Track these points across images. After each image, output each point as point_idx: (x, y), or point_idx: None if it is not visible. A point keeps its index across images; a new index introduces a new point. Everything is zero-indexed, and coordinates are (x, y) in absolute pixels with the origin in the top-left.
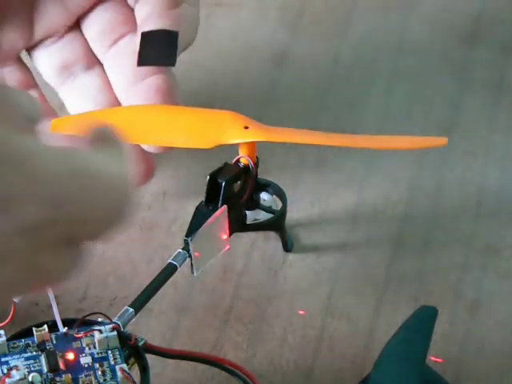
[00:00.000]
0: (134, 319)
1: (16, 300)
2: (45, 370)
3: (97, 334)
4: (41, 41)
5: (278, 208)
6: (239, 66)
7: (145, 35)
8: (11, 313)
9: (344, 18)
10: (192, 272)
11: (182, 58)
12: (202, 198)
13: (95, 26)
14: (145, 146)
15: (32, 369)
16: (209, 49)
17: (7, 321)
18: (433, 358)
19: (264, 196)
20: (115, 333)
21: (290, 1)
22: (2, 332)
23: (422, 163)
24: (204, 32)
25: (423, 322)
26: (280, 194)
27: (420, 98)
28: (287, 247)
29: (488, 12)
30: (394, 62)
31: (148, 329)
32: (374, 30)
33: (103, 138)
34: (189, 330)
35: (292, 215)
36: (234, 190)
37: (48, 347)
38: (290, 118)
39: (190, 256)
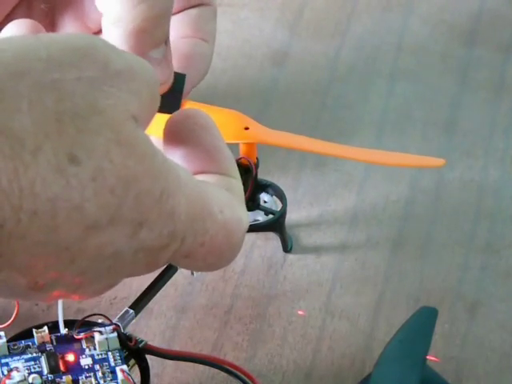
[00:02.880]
0: (134, 320)
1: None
2: (45, 371)
3: (97, 336)
4: None
5: (278, 209)
6: (239, 65)
7: None
8: (14, 315)
9: (344, 17)
10: (192, 273)
11: None
12: None
13: None
14: None
15: (32, 370)
16: None
17: (9, 322)
18: (433, 358)
19: (264, 197)
20: (115, 334)
21: (290, 1)
22: (2, 333)
23: None
24: None
25: (423, 322)
26: (280, 194)
27: (420, 98)
28: (286, 248)
29: (488, 12)
30: (394, 62)
31: (148, 329)
32: (374, 30)
33: (230, 173)
34: (189, 329)
35: (292, 215)
36: None
37: (48, 349)
38: (290, 117)
39: None
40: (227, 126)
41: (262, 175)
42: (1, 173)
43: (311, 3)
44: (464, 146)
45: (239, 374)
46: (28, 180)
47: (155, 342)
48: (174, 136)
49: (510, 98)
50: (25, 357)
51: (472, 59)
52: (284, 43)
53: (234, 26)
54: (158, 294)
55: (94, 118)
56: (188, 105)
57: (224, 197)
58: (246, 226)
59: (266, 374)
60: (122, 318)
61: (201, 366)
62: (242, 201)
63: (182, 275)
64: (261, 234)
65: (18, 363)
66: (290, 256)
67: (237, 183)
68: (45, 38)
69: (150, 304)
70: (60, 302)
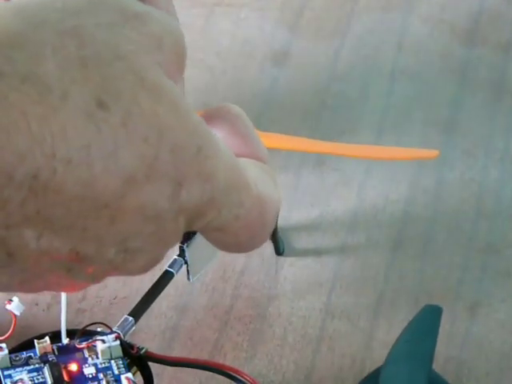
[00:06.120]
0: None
1: (17, 313)
2: (49, 382)
3: (99, 344)
4: None
5: None
6: (239, 65)
7: None
8: (12, 327)
9: (344, 17)
10: (188, 279)
11: None
12: None
13: None
14: None
15: (36, 381)
16: (209, 48)
17: (9, 334)
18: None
19: None
20: (118, 342)
21: (289, 1)
22: (3, 345)
23: (422, 163)
24: (204, 32)
25: (428, 320)
26: None
27: (420, 97)
28: (279, 251)
29: (488, 12)
30: (394, 62)
31: (148, 329)
32: (374, 30)
33: (264, 160)
34: (189, 329)
35: (292, 215)
36: None
37: (50, 359)
38: (290, 117)
39: (186, 262)
40: None
41: None
42: (30, 118)
43: (311, 3)
44: (464, 146)
45: (241, 378)
46: (59, 125)
47: (155, 341)
48: (208, 121)
49: (510, 98)
50: (27, 368)
51: (472, 59)
52: (284, 43)
53: (233, 26)
54: None
55: (117, 63)
56: None
57: (259, 173)
58: (279, 206)
59: (266, 374)
60: (121, 325)
61: None
62: (275, 182)
63: (182, 275)
64: None
65: (21, 375)
66: (290, 256)
67: (270, 169)
68: None
69: None
70: (63, 312)
